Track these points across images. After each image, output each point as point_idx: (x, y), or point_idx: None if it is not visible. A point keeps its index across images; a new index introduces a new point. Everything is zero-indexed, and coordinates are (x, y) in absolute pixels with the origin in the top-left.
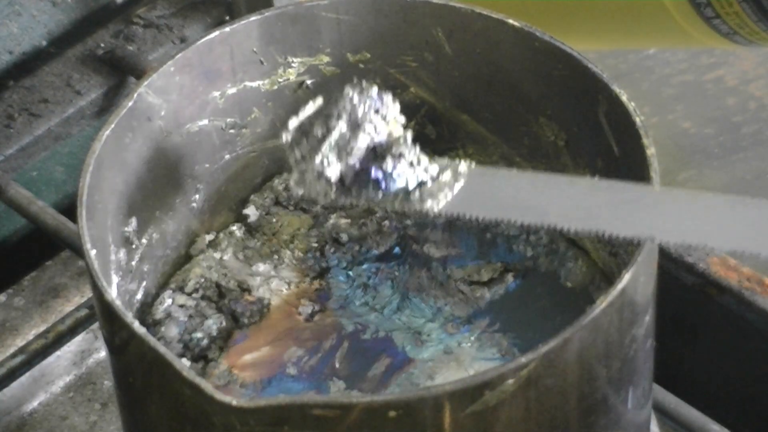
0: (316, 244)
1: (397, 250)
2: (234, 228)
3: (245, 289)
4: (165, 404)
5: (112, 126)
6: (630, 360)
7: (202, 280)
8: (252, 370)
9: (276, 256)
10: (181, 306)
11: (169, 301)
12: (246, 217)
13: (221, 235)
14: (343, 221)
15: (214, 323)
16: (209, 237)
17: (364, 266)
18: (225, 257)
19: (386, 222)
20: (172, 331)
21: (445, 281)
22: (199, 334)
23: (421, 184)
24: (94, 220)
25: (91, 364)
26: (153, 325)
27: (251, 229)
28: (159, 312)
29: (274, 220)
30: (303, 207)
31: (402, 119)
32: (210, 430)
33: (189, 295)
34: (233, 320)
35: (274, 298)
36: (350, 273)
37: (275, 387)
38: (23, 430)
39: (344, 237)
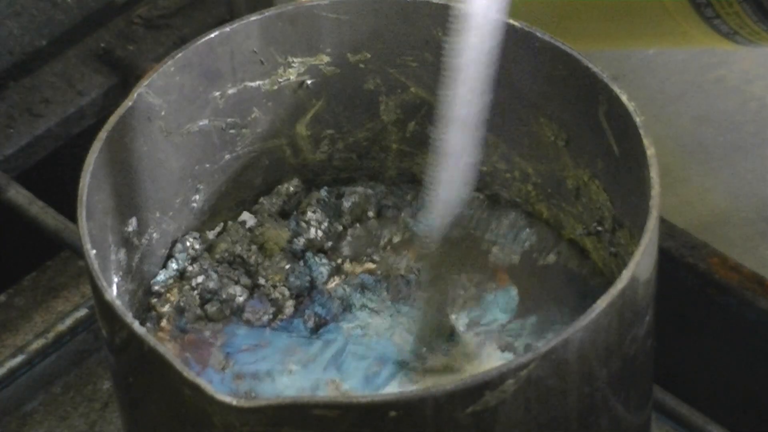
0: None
1: None
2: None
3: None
4: (165, 404)
5: (112, 126)
6: (630, 360)
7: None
8: (252, 371)
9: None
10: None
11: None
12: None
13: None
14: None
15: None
16: (212, 234)
17: None
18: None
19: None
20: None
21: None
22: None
23: None
24: (94, 220)
25: (91, 364)
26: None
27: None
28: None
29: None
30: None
31: None
32: (210, 430)
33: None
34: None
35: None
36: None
37: (275, 387)
38: (23, 430)
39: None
